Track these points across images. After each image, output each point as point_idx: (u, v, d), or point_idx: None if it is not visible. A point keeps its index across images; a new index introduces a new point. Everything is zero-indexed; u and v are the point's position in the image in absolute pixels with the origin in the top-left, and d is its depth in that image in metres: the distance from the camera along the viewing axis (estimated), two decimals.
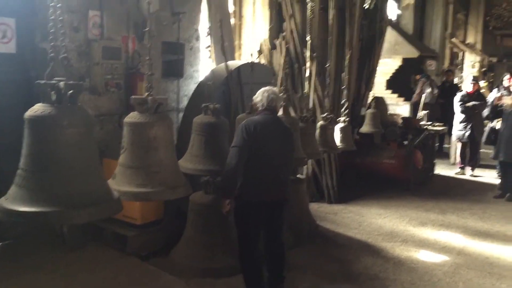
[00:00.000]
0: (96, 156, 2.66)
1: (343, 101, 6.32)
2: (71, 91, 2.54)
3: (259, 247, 3.79)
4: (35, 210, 2.35)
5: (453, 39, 16.19)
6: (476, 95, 8.65)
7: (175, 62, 5.88)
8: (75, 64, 4.68)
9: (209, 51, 4.32)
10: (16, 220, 2.43)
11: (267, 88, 3.86)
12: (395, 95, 10.73)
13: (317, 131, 5.69)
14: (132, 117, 3.26)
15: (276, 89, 4.00)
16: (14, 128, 4.43)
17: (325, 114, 6.00)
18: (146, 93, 3.26)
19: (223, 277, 4.18)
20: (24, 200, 2.39)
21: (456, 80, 13.55)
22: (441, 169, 9.05)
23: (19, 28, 4.49)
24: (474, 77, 9.32)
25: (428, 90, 10.36)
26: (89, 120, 2.62)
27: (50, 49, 2.57)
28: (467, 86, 8.82)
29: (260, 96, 3.80)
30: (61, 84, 2.53)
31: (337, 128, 6.15)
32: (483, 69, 18.25)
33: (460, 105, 8.55)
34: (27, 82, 4.55)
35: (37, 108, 2.50)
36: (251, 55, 7.42)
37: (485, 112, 8.48)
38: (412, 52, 10.82)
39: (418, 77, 10.94)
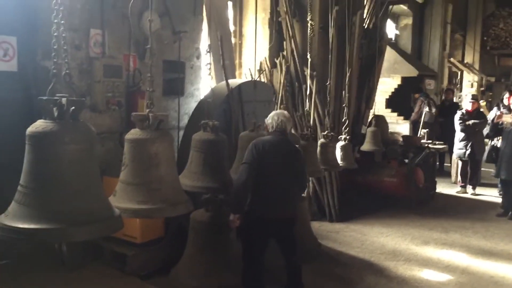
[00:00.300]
0: (97, 173, 2.64)
1: (343, 119, 6.32)
2: (73, 108, 2.54)
3: (262, 264, 3.82)
4: (35, 227, 2.31)
5: (451, 59, 16.33)
6: (476, 113, 8.67)
7: (175, 80, 5.88)
8: (76, 82, 4.68)
9: (209, 69, 4.33)
10: (16, 237, 2.38)
11: (278, 111, 4.12)
12: (395, 114, 10.75)
13: (318, 149, 5.68)
14: (133, 133, 3.25)
15: (286, 112, 4.20)
16: (14, 146, 4.43)
17: (326, 132, 5.99)
18: (147, 110, 3.25)
19: None
20: (24, 217, 2.36)
21: (455, 100, 13.60)
22: (442, 188, 9.01)
23: (20, 47, 4.50)
24: (473, 95, 9.34)
25: (426, 109, 10.39)
26: (91, 137, 2.59)
27: (52, 66, 2.56)
28: (466, 105, 8.84)
29: (270, 118, 4.00)
30: (63, 100, 2.51)
31: (338, 146, 6.13)
32: (482, 89, 18.37)
33: (460, 123, 8.56)
34: (28, 100, 4.54)
35: (39, 124, 2.47)
36: (249, 70, 7.49)
37: (486, 130, 8.49)
38: (411, 71, 10.89)
39: (416, 96, 10.97)
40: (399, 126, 10.33)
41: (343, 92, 6.57)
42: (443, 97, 11.97)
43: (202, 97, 6.20)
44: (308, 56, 5.74)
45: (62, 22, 2.51)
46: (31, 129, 2.46)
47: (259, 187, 3.70)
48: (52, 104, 2.50)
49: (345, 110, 6.40)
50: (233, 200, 3.80)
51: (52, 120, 2.47)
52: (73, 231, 2.43)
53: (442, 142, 9.04)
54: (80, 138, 2.51)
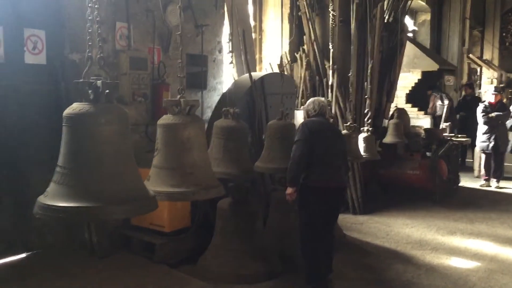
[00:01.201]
0: (132, 154, 2.68)
1: (365, 111, 6.30)
2: (108, 90, 2.59)
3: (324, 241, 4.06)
4: (74, 205, 2.35)
5: (470, 55, 16.15)
6: (499, 105, 8.58)
7: (198, 74, 5.93)
8: (103, 74, 4.74)
9: (232, 62, 4.38)
10: (56, 216, 2.42)
11: (315, 98, 4.40)
12: (415, 109, 10.67)
13: None
14: (166, 119, 3.29)
15: (323, 99, 4.52)
16: (43, 138, 4.53)
17: (349, 123, 5.98)
18: (179, 95, 3.30)
19: (252, 283, 4.12)
20: (63, 196, 2.40)
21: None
22: (465, 182, 8.90)
23: (48, 40, 4.60)
24: (496, 87, 9.25)
25: (439, 102, 10.47)
26: (125, 118, 2.64)
27: (87, 49, 2.62)
28: (489, 97, 8.74)
29: (311, 104, 4.23)
30: (99, 82, 2.57)
31: (361, 138, 6.12)
32: (501, 85, 18.11)
33: (483, 116, 8.47)
34: (56, 93, 4.63)
35: (75, 106, 2.52)
36: (270, 64, 7.52)
37: (509, 122, 8.39)
38: (431, 65, 10.79)
39: (429, 92, 11.01)
40: (420, 121, 10.23)
41: (365, 84, 6.56)
42: (463, 92, 11.86)
43: (224, 90, 6.25)
44: (330, 47, 5.73)
45: (96, 12, 2.54)
46: (68, 111, 2.51)
47: (316, 160, 3.91)
48: (87, 86, 2.56)
49: (367, 102, 6.39)
50: (289, 173, 3.95)
51: (88, 102, 2.53)
52: (110, 209, 2.46)
53: (464, 135, 8.93)
54: (115, 119, 2.56)
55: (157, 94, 5.32)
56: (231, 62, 4.28)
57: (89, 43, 2.65)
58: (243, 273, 4.22)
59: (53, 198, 2.43)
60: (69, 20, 4.69)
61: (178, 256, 4.58)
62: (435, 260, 4.88)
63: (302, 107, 4.28)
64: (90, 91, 2.57)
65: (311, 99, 4.35)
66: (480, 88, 16.85)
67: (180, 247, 4.65)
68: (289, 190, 3.95)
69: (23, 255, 4.54)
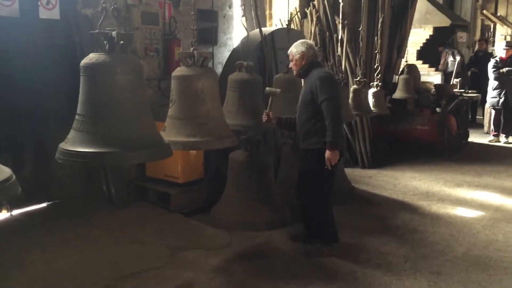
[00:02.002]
0: (147, 103, 2.80)
1: (375, 66, 6.33)
2: (122, 41, 2.68)
3: None
4: (93, 150, 2.50)
5: (484, 11, 15.84)
6: (510, 61, 8.50)
7: (209, 29, 5.96)
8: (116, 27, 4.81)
9: (244, 16, 4.37)
10: (76, 160, 2.56)
11: (306, 40, 4.09)
12: (426, 65, 10.62)
13: (350, 95, 5.73)
14: (180, 70, 3.39)
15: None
16: (60, 91, 4.65)
17: (359, 78, 6.03)
18: (192, 48, 3.37)
19: (263, 230, 4.30)
20: (82, 142, 2.55)
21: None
22: (475, 138, 8.95)
23: None
24: (507, 42, 9.14)
25: (450, 58, 10.44)
26: (140, 68, 2.75)
27: (102, 0, 2.70)
28: (500, 52, 8.67)
29: (311, 49, 3.89)
30: (113, 33, 2.66)
31: (370, 93, 6.17)
32: None
33: (494, 71, 8.43)
34: (71, 47, 4.72)
35: (92, 56, 2.64)
36: (280, 20, 7.49)
37: None
38: (443, 21, 10.64)
39: (441, 48, 10.91)
40: (431, 78, 10.22)
41: (375, 39, 6.55)
42: (476, 47, 11.73)
43: (234, 46, 6.29)
44: (340, 1, 5.71)
45: None
46: (84, 61, 2.63)
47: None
48: (103, 37, 2.65)
49: (377, 57, 6.40)
50: (336, 135, 3.61)
51: (103, 52, 2.63)
52: (127, 155, 2.62)
53: (475, 91, 8.93)
54: (130, 68, 2.68)
55: (168, 49, 5.39)
56: (244, 16, 4.27)
57: None
58: (254, 221, 4.40)
59: (73, 144, 2.58)
60: None
61: (192, 206, 4.76)
62: (441, 210, 5.03)
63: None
64: (105, 42, 2.67)
65: (303, 41, 3.95)
66: (493, 45, 16.61)
67: (194, 197, 4.84)
68: (334, 154, 3.63)
69: (44, 204, 4.74)
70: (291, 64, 4.00)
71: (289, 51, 3.99)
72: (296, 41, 4.02)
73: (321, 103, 3.66)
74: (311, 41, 4.07)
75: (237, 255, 3.85)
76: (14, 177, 1.84)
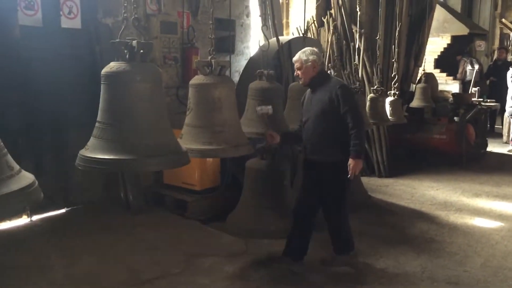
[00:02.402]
0: (166, 111, 2.84)
1: (393, 75, 6.31)
2: (142, 50, 2.74)
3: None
4: (112, 157, 2.54)
5: (503, 20, 15.67)
6: None
7: (226, 38, 6.02)
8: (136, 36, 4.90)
9: (265, 25, 4.39)
10: (96, 167, 2.61)
11: (312, 48, 3.80)
12: (444, 74, 10.54)
13: (367, 104, 5.72)
14: (197, 79, 3.43)
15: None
16: (80, 99, 4.74)
17: (376, 86, 6.02)
18: (209, 56, 3.42)
19: (279, 238, 4.29)
20: (102, 149, 2.59)
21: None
22: (493, 147, 8.84)
23: (83, 5, 4.75)
24: None
25: (469, 67, 10.34)
26: (159, 77, 2.80)
27: (123, 10, 2.76)
28: None
29: (316, 55, 3.70)
30: (134, 43, 2.72)
31: (387, 102, 6.16)
32: None
33: None
34: (91, 56, 4.81)
35: (113, 65, 2.69)
36: (297, 28, 7.52)
37: None
38: (461, 29, 10.57)
39: (459, 57, 10.84)
40: (449, 86, 10.15)
41: (392, 47, 6.54)
42: (495, 57, 11.61)
43: (251, 55, 6.34)
44: (358, 10, 5.73)
45: None
46: (105, 69, 2.68)
47: None
48: (123, 46, 2.71)
49: (394, 66, 6.39)
50: (362, 144, 3.60)
51: (124, 61, 2.68)
52: (146, 162, 2.66)
53: (493, 100, 8.83)
54: (149, 77, 2.72)
55: (186, 58, 5.47)
56: (264, 25, 4.27)
57: (124, 4, 2.81)
58: (270, 229, 4.39)
59: (93, 151, 2.63)
60: None
61: (208, 213, 4.80)
62: (459, 220, 4.98)
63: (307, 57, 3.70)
64: (126, 51, 2.73)
65: (309, 49, 3.76)
66: None
67: (211, 205, 4.87)
68: (359, 163, 3.56)
69: (63, 210, 4.82)
70: (298, 72, 3.77)
71: (295, 59, 3.77)
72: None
73: (345, 112, 3.55)
74: (314, 48, 3.85)
75: (253, 262, 3.87)
76: (36, 183, 1.88)
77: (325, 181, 3.74)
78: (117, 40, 2.68)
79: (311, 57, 3.66)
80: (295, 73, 3.86)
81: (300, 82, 3.86)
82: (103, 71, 2.67)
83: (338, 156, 3.62)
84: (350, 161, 3.52)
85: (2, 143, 1.73)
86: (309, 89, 3.82)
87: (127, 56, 2.68)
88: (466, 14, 13.23)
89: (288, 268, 3.77)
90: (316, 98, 3.70)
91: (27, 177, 1.88)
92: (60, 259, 3.74)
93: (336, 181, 3.71)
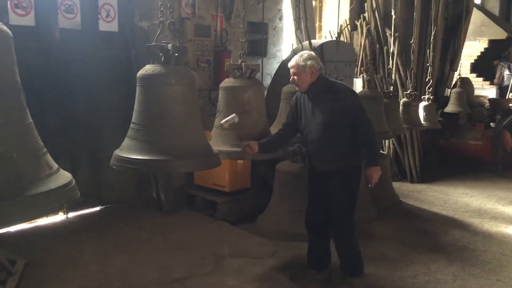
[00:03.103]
0: (198, 113, 2.90)
1: (427, 79, 6.23)
2: (177, 53, 2.80)
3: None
4: (146, 158, 2.61)
5: None
6: None
7: (259, 41, 6.05)
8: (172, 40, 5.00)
9: (299, 29, 4.39)
10: (130, 167, 2.68)
11: (309, 53, 3.50)
12: (480, 79, 10.31)
13: (401, 109, 5.66)
14: (228, 81, 3.49)
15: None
16: (115, 101, 4.86)
17: (409, 91, 5.96)
18: (240, 60, 3.46)
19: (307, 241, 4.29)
20: (136, 150, 2.67)
21: None
22: None
23: (120, 8, 4.86)
24: None
25: (507, 72, 10.13)
26: (193, 80, 2.86)
27: (159, 14, 2.83)
28: None
29: (315, 60, 3.40)
30: (169, 46, 2.79)
31: (421, 107, 6.08)
32: None
33: None
34: (127, 59, 4.93)
35: (148, 68, 2.76)
36: (330, 32, 7.50)
37: None
38: (499, 33, 10.34)
39: (496, 62, 10.58)
40: (485, 91, 9.91)
41: (427, 51, 6.45)
42: None
43: (284, 58, 6.36)
44: (392, 13, 5.67)
45: None
46: (141, 72, 2.76)
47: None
48: (159, 49, 2.78)
49: (428, 70, 6.30)
50: (376, 150, 3.55)
51: (159, 64, 2.75)
52: (179, 163, 2.72)
53: None
54: (183, 80, 2.78)
55: (219, 61, 5.53)
56: (298, 29, 4.25)
57: (161, 9, 2.89)
58: (299, 232, 4.38)
59: (127, 151, 2.70)
60: None
61: (237, 215, 4.83)
62: (493, 228, 4.86)
63: (308, 62, 3.37)
64: (161, 54, 2.80)
65: (305, 53, 3.45)
66: None
67: (240, 206, 4.91)
68: (379, 170, 3.39)
69: (98, 208, 4.95)
70: (294, 78, 3.43)
71: (291, 64, 3.44)
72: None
73: (360, 119, 3.35)
74: (311, 52, 3.56)
75: (282, 264, 3.88)
76: (74, 181, 1.95)
77: (334, 191, 3.47)
78: (153, 43, 2.76)
79: (308, 62, 3.36)
80: (290, 79, 3.49)
81: (297, 89, 3.52)
82: (139, 73, 2.75)
83: (357, 164, 3.47)
84: (371, 169, 3.36)
85: (42, 143, 1.81)
86: (303, 95, 3.49)
87: (162, 59, 2.76)
88: (504, 18, 12.90)
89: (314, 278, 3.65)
90: (320, 107, 3.38)
91: (65, 176, 1.96)
92: (94, 255, 3.84)
93: (345, 191, 3.46)
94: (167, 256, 3.93)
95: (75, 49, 4.55)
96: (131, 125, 2.75)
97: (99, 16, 4.68)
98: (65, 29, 4.45)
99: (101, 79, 4.73)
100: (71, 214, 4.66)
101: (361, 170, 3.51)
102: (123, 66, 4.88)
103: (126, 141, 2.73)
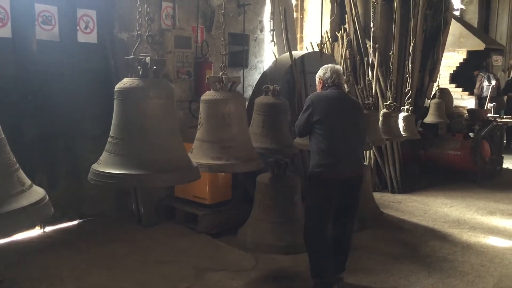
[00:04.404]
0: (177, 127, 2.87)
1: (406, 90, 6.29)
2: (155, 66, 2.78)
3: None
4: (124, 172, 2.57)
5: None
6: None
7: (240, 52, 6.07)
8: (150, 52, 4.97)
9: (273, 41, 4.41)
10: (108, 182, 2.64)
11: (330, 65, 3.87)
12: (460, 89, 10.47)
13: (380, 120, 5.70)
14: (208, 94, 3.47)
15: (339, 66, 4.05)
16: (95, 113, 4.80)
17: (389, 102, 6.00)
18: (221, 72, 3.46)
19: (290, 253, 4.28)
20: (114, 164, 2.62)
21: None
22: (510, 164, 8.73)
23: (99, 20, 4.83)
24: None
25: (486, 83, 10.30)
26: (171, 93, 2.82)
27: (137, 27, 2.80)
28: None
29: (328, 72, 3.77)
30: (147, 59, 2.76)
31: (400, 117, 6.12)
32: None
33: None
34: (106, 70, 4.89)
35: (126, 81, 2.72)
36: (311, 43, 7.55)
37: None
38: (477, 45, 10.53)
39: (476, 72, 10.78)
40: (464, 102, 10.09)
41: (407, 62, 6.52)
42: None
43: (265, 69, 6.38)
44: (372, 25, 5.73)
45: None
46: (119, 85, 2.72)
47: (327, 145, 3.62)
48: (137, 62, 2.75)
49: (408, 81, 6.36)
50: None
51: (137, 77, 2.73)
52: (157, 177, 2.68)
53: (510, 116, 8.73)
54: (162, 93, 2.75)
55: (200, 72, 5.51)
56: (272, 41, 4.31)
57: (139, 22, 2.86)
58: (280, 244, 4.38)
59: (105, 165, 2.65)
60: (118, 0, 4.92)
61: (219, 227, 4.80)
62: (472, 239, 4.91)
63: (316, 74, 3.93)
64: (139, 67, 2.77)
65: (326, 66, 3.86)
66: None
67: (221, 219, 4.87)
68: None
69: (76, 221, 4.87)
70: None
71: None
72: (325, 64, 3.96)
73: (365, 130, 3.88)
74: (332, 65, 3.88)
75: (262, 277, 3.87)
76: (47, 198, 1.91)
77: (352, 195, 3.77)
78: (131, 56, 2.73)
79: (318, 73, 3.88)
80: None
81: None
82: (117, 87, 2.71)
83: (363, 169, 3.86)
84: None
85: (14, 159, 1.76)
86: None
87: (140, 72, 2.74)
88: (482, 29, 13.15)
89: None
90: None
91: (38, 192, 1.91)
92: (71, 271, 3.77)
93: (359, 194, 3.84)
94: (146, 270, 3.87)
95: (53, 60, 4.50)
96: (109, 139, 2.70)
97: (77, 28, 4.64)
98: (42, 40, 4.40)
99: (80, 91, 4.68)
100: (48, 228, 4.58)
101: (322, 176, 3.77)
102: (102, 77, 4.83)
103: (104, 155, 2.69)
